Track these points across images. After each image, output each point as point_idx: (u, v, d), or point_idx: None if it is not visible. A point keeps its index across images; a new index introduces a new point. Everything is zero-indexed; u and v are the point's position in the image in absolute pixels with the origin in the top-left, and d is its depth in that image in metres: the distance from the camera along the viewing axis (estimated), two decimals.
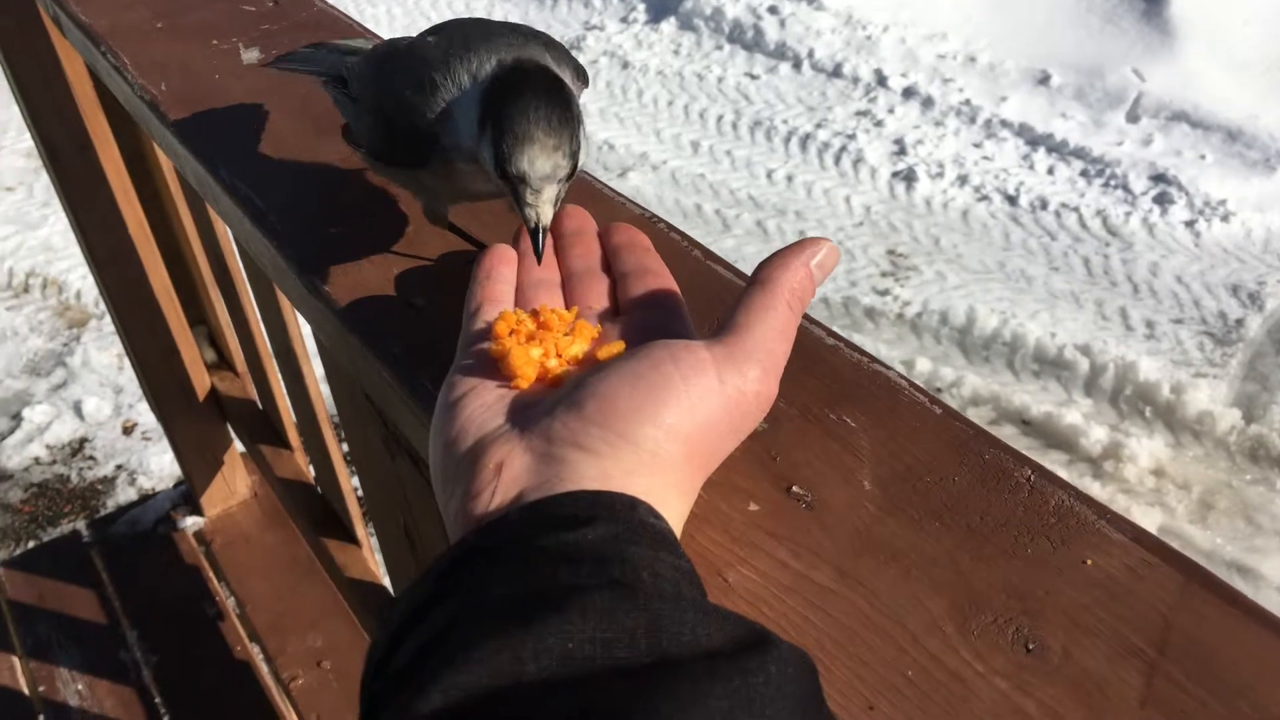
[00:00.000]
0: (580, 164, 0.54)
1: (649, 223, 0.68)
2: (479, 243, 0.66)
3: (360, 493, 1.35)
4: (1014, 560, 0.44)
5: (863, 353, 0.56)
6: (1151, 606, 0.42)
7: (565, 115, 0.53)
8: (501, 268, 0.55)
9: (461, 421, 0.45)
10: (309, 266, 0.65)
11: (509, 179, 0.52)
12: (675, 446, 0.42)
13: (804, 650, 0.33)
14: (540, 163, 0.52)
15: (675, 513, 0.43)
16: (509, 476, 0.42)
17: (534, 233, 0.52)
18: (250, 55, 0.90)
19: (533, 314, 0.50)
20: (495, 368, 0.47)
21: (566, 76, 0.58)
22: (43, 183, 4.32)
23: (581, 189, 0.71)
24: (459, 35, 0.58)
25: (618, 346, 0.48)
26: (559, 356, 0.48)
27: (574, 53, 5.09)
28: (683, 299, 0.53)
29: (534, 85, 0.53)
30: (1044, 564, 0.44)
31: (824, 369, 0.55)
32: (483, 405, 0.45)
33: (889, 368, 0.55)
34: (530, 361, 0.47)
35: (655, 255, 0.56)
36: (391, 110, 0.59)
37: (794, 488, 0.49)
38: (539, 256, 0.53)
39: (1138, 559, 0.44)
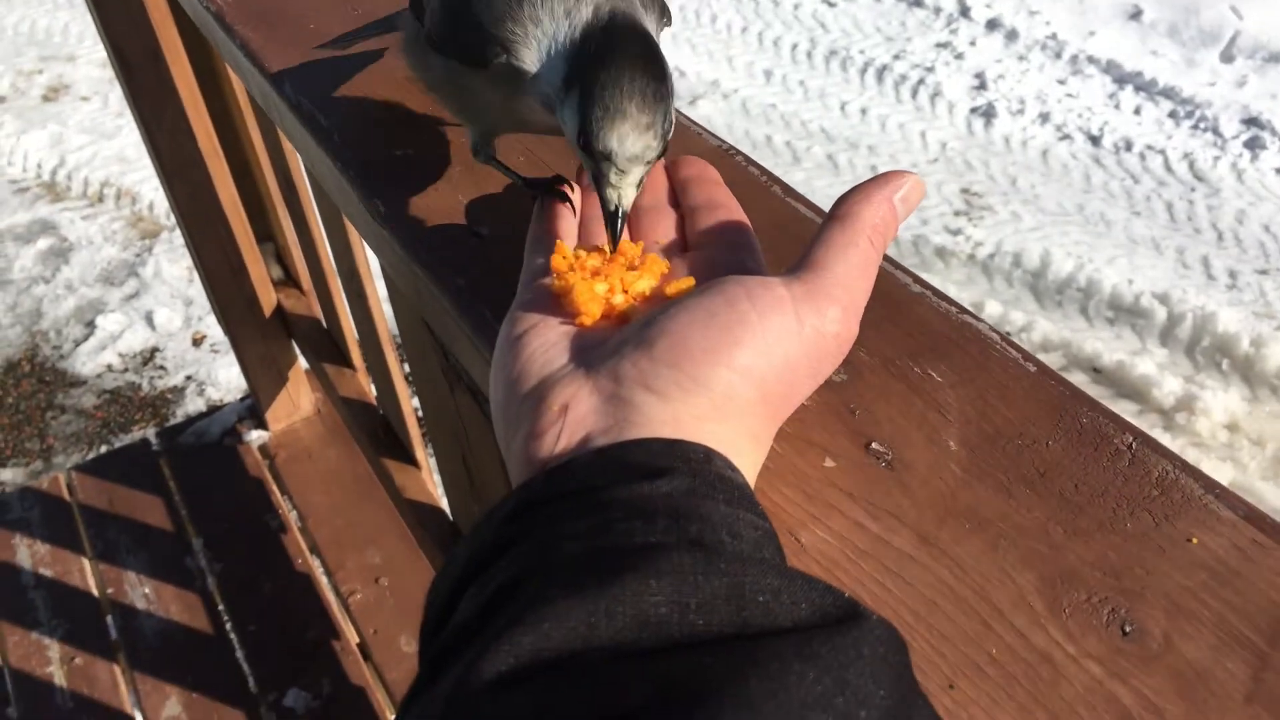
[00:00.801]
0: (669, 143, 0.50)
1: (725, 155, 0.65)
2: (528, 180, 0.61)
3: (420, 415, 1.35)
4: (1111, 535, 0.41)
5: (951, 302, 0.53)
6: (1263, 593, 0.39)
7: (661, 90, 0.48)
8: (565, 203, 0.53)
9: (524, 359, 0.43)
10: (373, 189, 0.63)
11: (592, 154, 0.48)
12: (750, 390, 0.39)
13: (893, 625, 0.31)
14: (631, 142, 0.47)
15: (749, 463, 0.40)
16: (575, 418, 0.39)
17: (612, 216, 0.49)
18: None
19: (596, 248, 0.48)
20: (559, 304, 0.45)
21: (653, 21, 0.54)
22: (118, 93, 4.35)
23: None
24: None
25: (687, 283, 0.45)
26: (625, 292, 0.45)
27: None
28: (754, 234, 0.50)
29: (630, 51, 0.48)
30: (1145, 540, 0.41)
31: (908, 318, 0.52)
32: (546, 343, 0.43)
33: (979, 319, 0.51)
34: (595, 298, 0.45)
35: (725, 189, 0.54)
36: (464, 6, 0.55)
37: (873, 444, 0.46)
38: (615, 242, 0.49)
39: (1248, 540, 0.40)
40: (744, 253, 0.49)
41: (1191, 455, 2.90)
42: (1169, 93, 4.11)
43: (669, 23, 0.58)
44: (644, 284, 0.46)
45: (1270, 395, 3.05)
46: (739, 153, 0.64)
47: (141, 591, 1.94)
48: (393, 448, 1.73)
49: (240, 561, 1.99)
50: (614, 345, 0.42)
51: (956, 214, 3.69)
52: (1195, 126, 3.96)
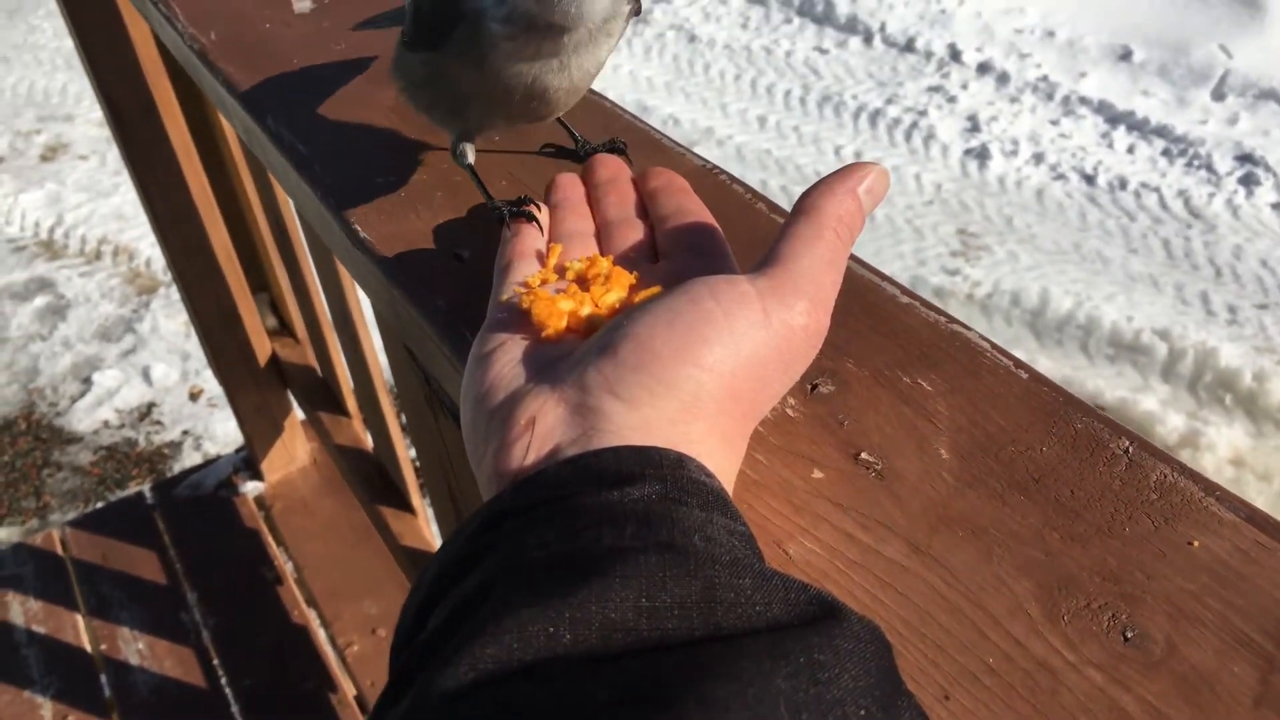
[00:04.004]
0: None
1: (709, 174, 0.64)
2: (496, 200, 0.58)
3: (417, 462, 1.33)
4: (1110, 539, 0.40)
5: (940, 311, 0.51)
6: (1267, 594, 0.37)
7: None
8: (531, 223, 0.52)
9: (492, 377, 0.42)
10: (352, 215, 0.62)
11: None
12: (719, 388, 0.38)
13: (876, 624, 0.29)
14: None
15: (723, 466, 0.39)
16: (543, 429, 0.38)
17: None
18: (302, 5, 0.88)
19: (562, 268, 0.47)
20: (526, 321, 0.45)
21: None
22: (115, 152, 4.38)
23: (640, 138, 0.67)
24: None
25: (655, 290, 0.44)
26: (594, 305, 0.45)
27: (640, 26, 5.04)
28: (724, 239, 0.49)
29: None
30: (1144, 544, 0.39)
31: (897, 328, 0.51)
32: (513, 359, 0.43)
33: (969, 328, 0.50)
34: (557, 311, 0.44)
35: (694, 196, 0.53)
36: None
37: (863, 454, 0.45)
38: None
39: (1251, 541, 0.39)
40: (714, 258, 0.48)
41: None
42: (1162, 131, 4.13)
43: (637, 11, 0.56)
44: (613, 296, 0.45)
45: (1275, 430, 3.03)
46: (722, 171, 0.64)
47: (135, 647, 1.91)
48: (389, 495, 1.71)
49: (236, 615, 1.96)
50: (580, 354, 0.41)
51: (953, 254, 3.70)
52: (1189, 164, 3.98)
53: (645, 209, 0.54)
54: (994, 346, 0.49)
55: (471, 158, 0.60)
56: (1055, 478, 0.42)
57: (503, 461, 0.39)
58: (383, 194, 0.64)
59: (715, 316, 0.39)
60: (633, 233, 0.52)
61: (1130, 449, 0.43)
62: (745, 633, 0.28)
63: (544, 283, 0.47)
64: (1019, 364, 0.48)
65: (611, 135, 0.65)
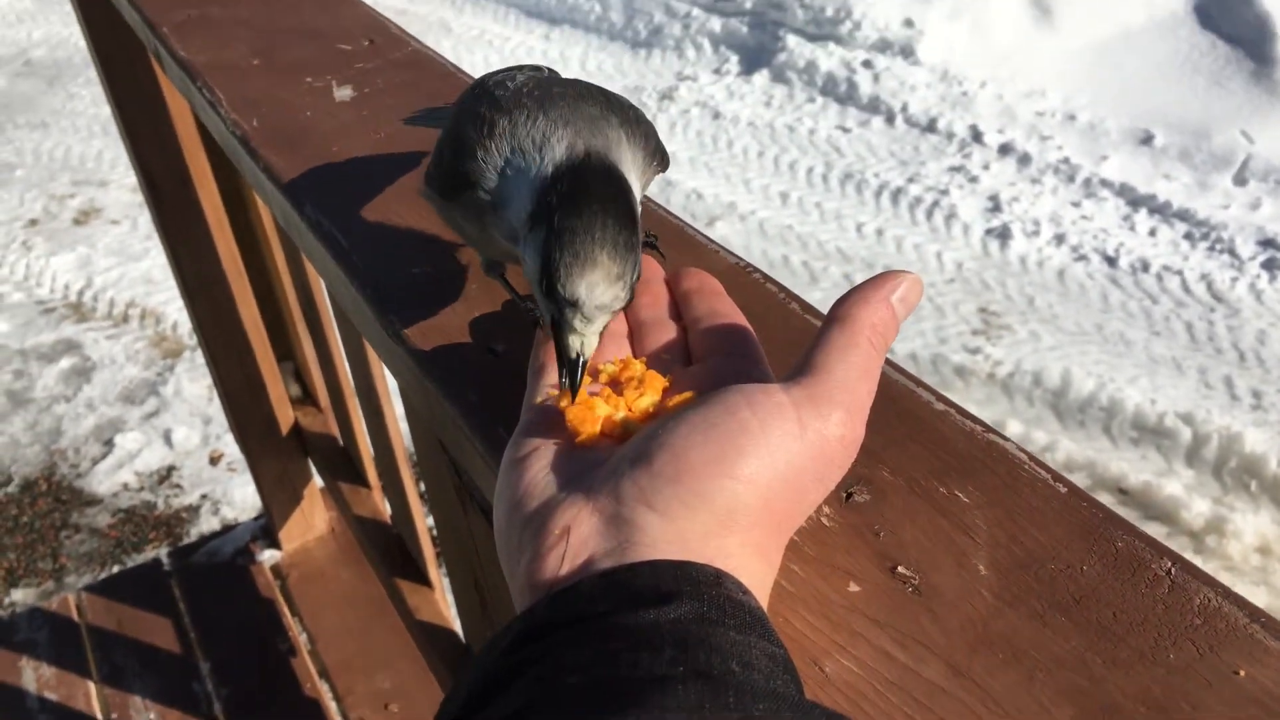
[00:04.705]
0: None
1: (743, 272, 0.64)
2: (530, 306, 0.59)
3: (435, 534, 1.33)
4: (1154, 667, 0.39)
5: (976, 420, 0.51)
6: None
7: (631, 239, 0.46)
8: None
9: (526, 482, 0.42)
10: (388, 306, 0.63)
11: (555, 299, 0.45)
12: (755, 500, 0.38)
13: None
14: (600, 291, 0.45)
15: (759, 579, 0.39)
16: (577, 540, 0.38)
17: (573, 365, 0.46)
18: (343, 93, 0.90)
19: (596, 371, 0.48)
20: (561, 426, 0.45)
21: (637, 163, 0.52)
22: (147, 217, 4.45)
23: (673, 235, 0.68)
24: (541, 89, 0.53)
25: (689, 396, 0.44)
26: (628, 410, 0.45)
27: (665, 102, 5.12)
28: (758, 344, 0.49)
29: (603, 195, 0.46)
30: (1189, 673, 0.39)
31: (932, 436, 0.51)
32: (547, 465, 0.43)
33: (1006, 438, 0.50)
34: (592, 417, 0.44)
35: (727, 299, 0.53)
36: (447, 140, 0.56)
37: (899, 568, 0.44)
38: (575, 390, 0.45)
39: None
40: (748, 363, 0.48)
41: (1223, 579, 2.82)
42: (1184, 215, 4.14)
43: (663, 168, 0.56)
44: (646, 400, 0.46)
45: None
46: (756, 270, 0.64)
47: (147, 717, 1.89)
48: (406, 567, 1.70)
49: (248, 686, 1.95)
50: (614, 463, 0.41)
51: (975, 333, 3.69)
52: (1211, 248, 3.98)
53: (678, 310, 0.54)
54: (1031, 458, 0.49)
55: (504, 270, 0.61)
56: (1097, 599, 0.42)
57: (537, 571, 0.38)
58: (419, 286, 0.65)
59: (751, 427, 0.39)
60: (665, 334, 0.52)
61: (1173, 570, 0.43)
62: None
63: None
64: (1057, 477, 0.48)
65: (644, 229, 0.66)
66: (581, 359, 0.46)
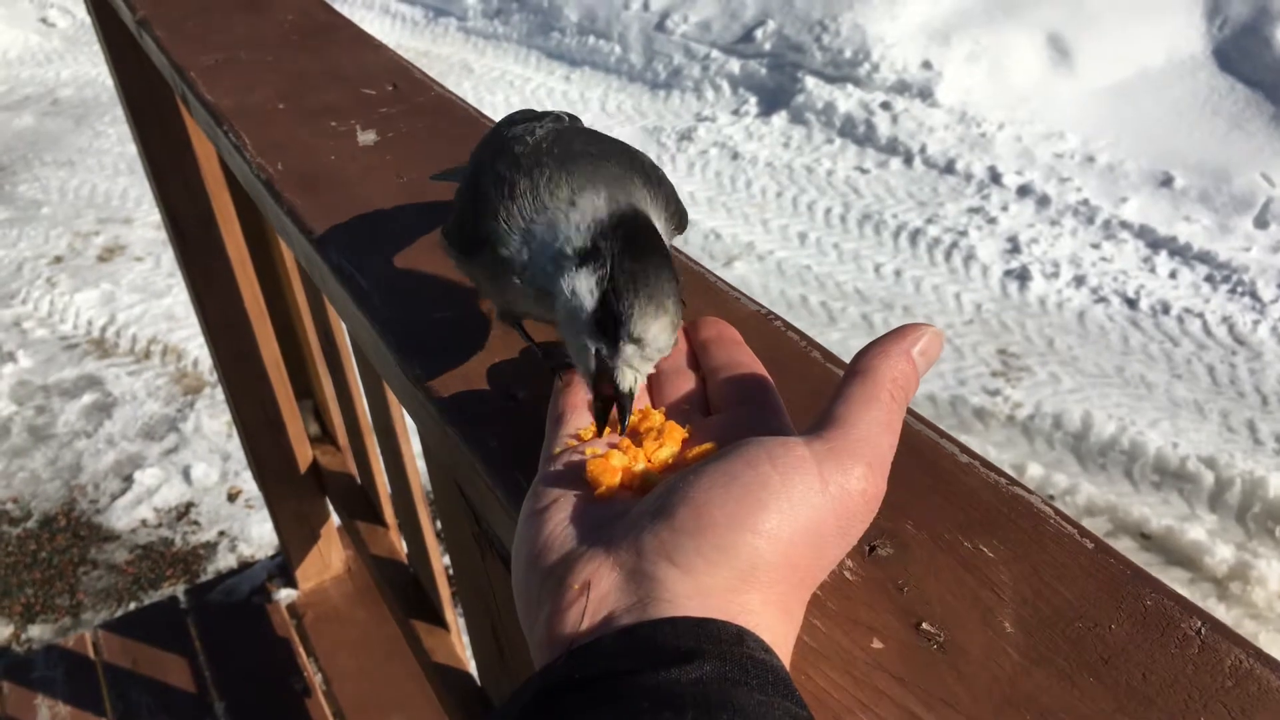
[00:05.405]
0: None
1: (763, 319, 0.64)
2: (547, 351, 0.60)
3: (451, 573, 1.33)
4: None
5: (1001, 473, 0.51)
6: None
7: (680, 292, 0.49)
8: None
9: (545, 536, 0.42)
10: (409, 352, 0.63)
11: (611, 337, 0.47)
12: (776, 555, 0.38)
13: None
14: (665, 336, 0.47)
15: (781, 636, 0.38)
16: (597, 595, 0.38)
17: (626, 398, 0.47)
18: (367, 137, 0.90)
19: (614, 420, 0.47)
20: (580, 478, 0.44)
21: (663, 222, 0.54)
22: (171, 254, 4.50)
23: (693, 281, 0.68)
24: (561, 145, 0.54)
25: (708, 447, 0.44)
26: (648, 461, 0.45)
27: (684, 143, 5.16)
28: (778, 394, 0.49)
29: (659, 245, 0.49)
30: None
31: (957, 490, 0.50)
32: (567, 517, 0.42)
33: (1031, 492, 0.49)
34: (611, 469, 0.44)
35: (746, 349, 0.53)
36: (467, 198, 0.57)
37: (924, 625, 0.43)
38: (625, 422, 0.47)
39: None
40: (768, 413, 0.48)
41: (1248, 627, 2.78)
42: (1204, 257, 4.13)
43: (681, 230, 0.58)
44: (665, 452, 0.45)
45: None
46: (777, 318, 0.64)
47: None
48: (422, 608, 1.70)
49: None
50: (634, 517, 0.40)
51: (994, 374, 3.67)
52: (1233, 290, 3.96)
53: (697, 359, 0.54)
54: (1057, 513, 0.48)
55: (518, 320, 0.61)
56: (1126, 659, 0.41)
57: (556, 627, 0.38)
58: (440, 331, 0.65)
59: (772, 482, 0.39)
60: (684, 383, 0.52)
61: (1203, 630, 0.42)
62: None
63: (593, 438, 0.47)
64: (1083, 532, 0.47)
65: None
66: (632, 393, 0.47)
